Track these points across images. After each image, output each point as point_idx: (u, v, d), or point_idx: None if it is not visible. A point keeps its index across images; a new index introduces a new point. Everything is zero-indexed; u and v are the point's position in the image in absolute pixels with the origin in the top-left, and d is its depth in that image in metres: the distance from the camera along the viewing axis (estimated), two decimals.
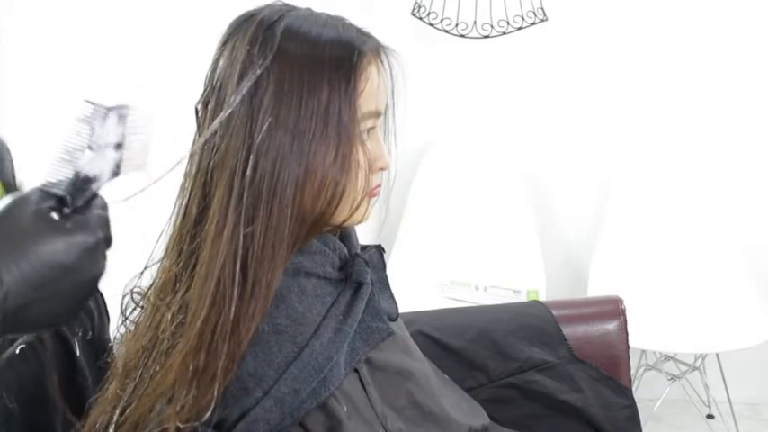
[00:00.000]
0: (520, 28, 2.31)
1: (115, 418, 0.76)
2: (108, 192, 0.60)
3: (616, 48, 2.34)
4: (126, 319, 0.83)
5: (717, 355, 2.20)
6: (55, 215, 0.56)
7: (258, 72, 0.75)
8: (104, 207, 0.60)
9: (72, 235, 0.55)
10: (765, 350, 2.08)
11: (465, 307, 1.30)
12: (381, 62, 0.82)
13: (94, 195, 0.59)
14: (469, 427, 0.95)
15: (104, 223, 0.59)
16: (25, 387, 0.81)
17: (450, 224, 2.34)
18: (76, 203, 0.57)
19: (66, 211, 0.57)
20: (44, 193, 0.57)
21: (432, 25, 2.35)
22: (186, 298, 0.75)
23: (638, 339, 1.83)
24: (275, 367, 0.75)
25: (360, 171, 0.80)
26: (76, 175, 0.57)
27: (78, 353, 0.91)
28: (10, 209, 0.55)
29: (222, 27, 0.81)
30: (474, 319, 1.21)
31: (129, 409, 0.75)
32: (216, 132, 0.76)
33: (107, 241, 0.59)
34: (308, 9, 0.82)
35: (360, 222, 0.84)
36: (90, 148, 0.57)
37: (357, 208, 0.81)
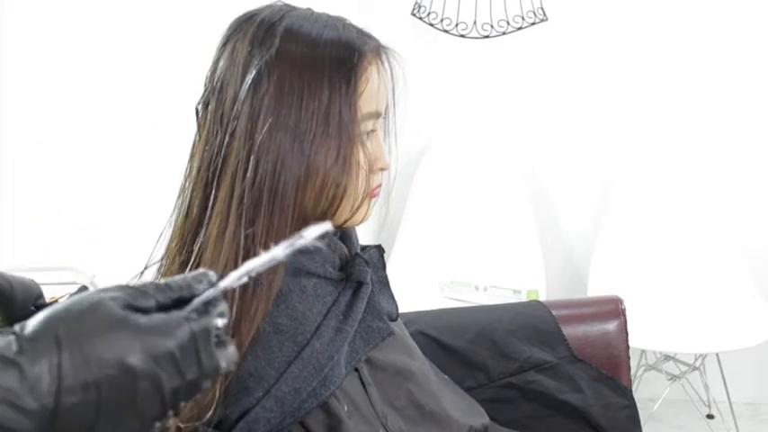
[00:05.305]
0: (520, 28, 2.32)
1: None
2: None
3: (616, 48, 2.34)
4: None
5: (717, 355, 2.20)
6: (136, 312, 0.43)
7: (258, 67, 0.74)
8: (222, 314, 0.45)
9: (142, 334, 0.42)
10: (765, 350, 2.08)
11: (465, 307, 1.30)
12: (382, 63, 0.82)
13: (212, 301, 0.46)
14: (469, 426, 0.95)
15: (199, 333, 0.43)
16: None
17: (451, 224, 2.34)
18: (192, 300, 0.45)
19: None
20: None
21: (432, 25, 2.35)
22: None
23: (638, 339, 1.83)
24: (276, 367, 0.75)
25: (360, 172, 0.80)
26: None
27: None
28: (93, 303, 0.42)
29: (222, 27, 0.81)
30: (474, 319, 1.21)
31: None
32: (217, 133, 0.76)
33: (190, 357, 0.43)
34: (309, 9, 0.82)
35: (360, 223, 0.85)
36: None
37: (358, 208, 0.81)
